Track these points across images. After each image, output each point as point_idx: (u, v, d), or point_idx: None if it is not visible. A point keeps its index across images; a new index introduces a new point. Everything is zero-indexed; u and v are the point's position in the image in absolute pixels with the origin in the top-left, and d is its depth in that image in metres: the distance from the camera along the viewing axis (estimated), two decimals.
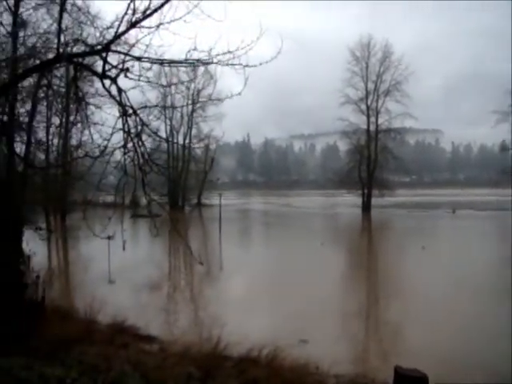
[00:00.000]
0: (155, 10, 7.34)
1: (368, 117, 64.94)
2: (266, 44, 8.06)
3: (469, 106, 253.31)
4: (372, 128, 64.96)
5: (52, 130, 35.97)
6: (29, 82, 17.87)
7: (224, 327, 9.89)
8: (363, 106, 65.14)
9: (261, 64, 7.91)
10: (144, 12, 7.34)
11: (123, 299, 15.05)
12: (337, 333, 13.00)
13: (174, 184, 67.10)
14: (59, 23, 8.71)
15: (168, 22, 7.49)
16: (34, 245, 16.10)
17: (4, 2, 16.26)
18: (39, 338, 7.53)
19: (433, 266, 22.63)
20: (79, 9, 17.63)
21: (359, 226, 49.75)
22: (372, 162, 64.09)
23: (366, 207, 63.20)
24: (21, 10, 20.87)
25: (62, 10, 9.24)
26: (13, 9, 19.51)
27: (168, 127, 70.97)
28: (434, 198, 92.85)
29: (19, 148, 20.02)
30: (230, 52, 7.48)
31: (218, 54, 7.57)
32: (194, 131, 72.51)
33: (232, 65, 7.59)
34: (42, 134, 30.41)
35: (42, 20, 21.94)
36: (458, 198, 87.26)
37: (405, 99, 62.90)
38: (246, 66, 7.61)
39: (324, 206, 77.31)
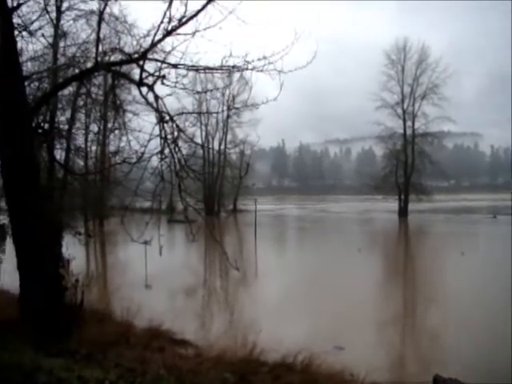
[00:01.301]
0: (191, 18, 7.44)
1: (404, 121, 64.03)
2: (300, 48, 8.05)
3: (509, 108, 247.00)
4: (408, 132, 64.00)
5: (91, 137, 36.68)
6: (68, 90, 18.34)
7: (259, 333, 9.89)
8: (399, 110, 64.28)
9: (296, 69, 7.92)
10: (180, 20, 7.45)
11: (159, 304, 15.19)
12: (374, 340, 12.85)
13: (210, 190, 67.47)
14: (98, 33, 8.89)
15: (203, 29, 7.58)
16: (73, 249, 16.47)
17: (46, 15, 16.73)
18: (78, 340, 7.67)
19: (472, 273, 22.13)
20: (117, 18, 18.01)
21: (396, 232, 49.04)
22: (409, 167, 63.15)
23: (403, 212, 62.27)
24: (61, 21, 21.50)
25: (101, 20, 9.43)
26: (54, 21, 20.08)
27: (203, 133, 71.46)
28: (473, 203, 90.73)
29: (59, 155, 20.57)
30: (265, 58, 7.52)
31: (253, 60, 7.63)
32: (229, 137, 72.89)
33: (267, 71, 7.62)
34: (80, 141, 31.07)
35: (81, 30, 22.54)
36: (498, 203, 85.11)
37: (442, 102, 61.73)
38: (281, 71, 7.64)
39: (360, 211, 76.54)
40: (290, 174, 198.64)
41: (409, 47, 63.37)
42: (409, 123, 64.11)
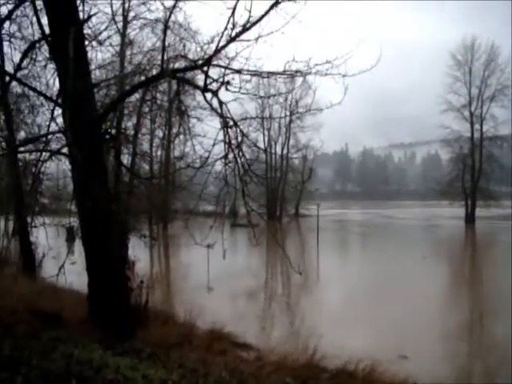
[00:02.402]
0: (254, 24, 7.49)
1: (472, 124, 61.87)
2: (363, 50, 7.95)
3: None
4: (476, 135, 61.85)
5: (156, 142, 37.87)
6: (134, 97, 18.98)
7: (320, 338, 9.80)
8: (466, 113, 62.20)
9: (360, 73, 7.84)
10: (243, 26, 7.51)
11: (221, 306, 15.35)
12: (440, 350, 12.45)
13: (272, 194, 67.69)
14: (163, 41, 9.11)
15: (267, 35, 7.62)
16: (138, 251, 16.92)
17: (114, 25, 17.40)
18: (142, 339, 7.85)
19: None
20: (181, 26, 18.49)
21: (463, 239, 47.40)
22: (476, 172, 61.00)
23: (470, 219, 60.16)
24: (128, 30, 22.31)
25: (166, 28, 9.68)
26: (121, 30, 20.86)
27: (266, 138, 71.66)
28: None
29: (126, 159, 21.29)
30: (328, 62, 7.47)
31: (317, 64, 7.59)
32: (291, 141, 72.61)
33: (331, 75, 7.57)
34: (146, 146, 32.17)
35: (146, 39, 23.32)
36: None
37: None
38: (345, 75, 7.57)
39: (425, 217, 74.46)
40: (354, 178, 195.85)
41: (477, 46, 61.24)
42: (476, 126, 62.06)
